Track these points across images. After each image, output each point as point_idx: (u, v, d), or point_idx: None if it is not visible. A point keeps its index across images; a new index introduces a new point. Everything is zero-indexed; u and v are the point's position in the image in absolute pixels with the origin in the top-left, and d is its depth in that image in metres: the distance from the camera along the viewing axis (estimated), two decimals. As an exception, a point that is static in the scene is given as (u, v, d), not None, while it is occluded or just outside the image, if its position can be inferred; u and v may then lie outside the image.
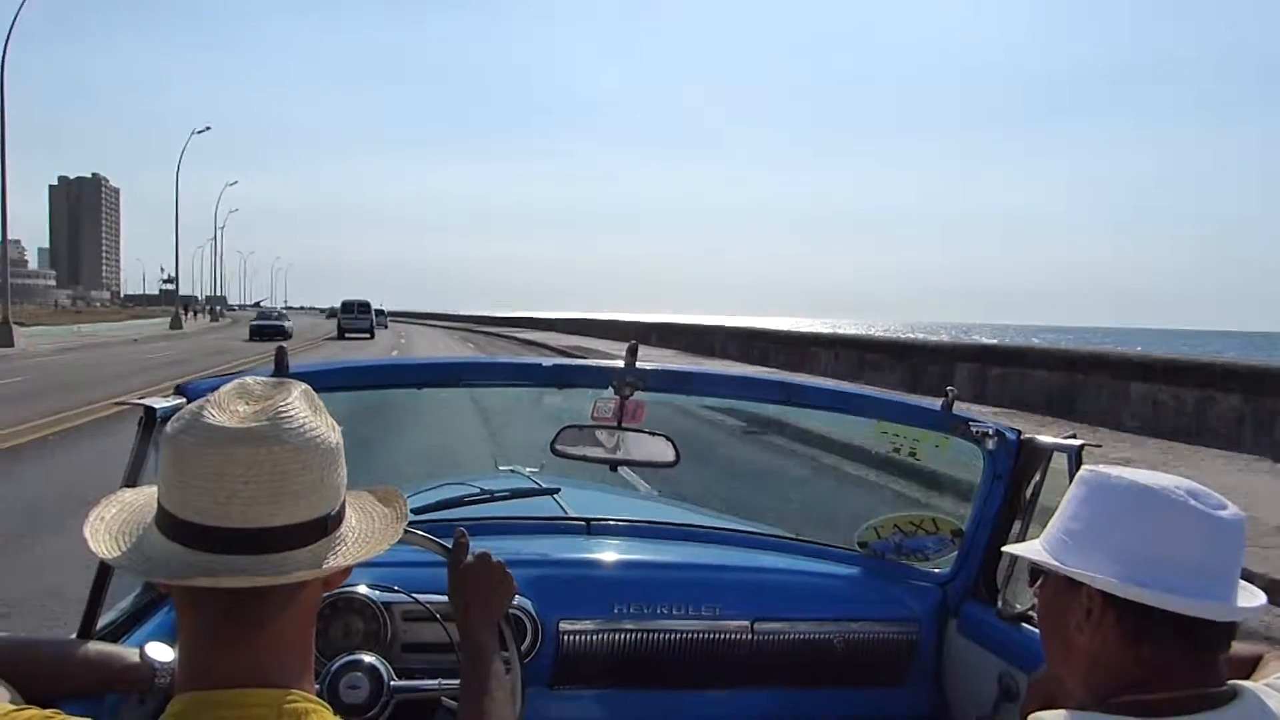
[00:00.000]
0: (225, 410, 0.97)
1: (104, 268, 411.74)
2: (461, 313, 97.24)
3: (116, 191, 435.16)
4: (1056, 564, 1.12)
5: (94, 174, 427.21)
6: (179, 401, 1.78)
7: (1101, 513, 1.10)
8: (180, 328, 61.26)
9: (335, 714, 0.98)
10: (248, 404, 0.98)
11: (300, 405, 0.99)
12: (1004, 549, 1.80)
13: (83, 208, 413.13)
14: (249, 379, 1.04)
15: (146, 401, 1.78)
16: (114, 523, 1.02)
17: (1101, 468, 1.14)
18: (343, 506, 1.03)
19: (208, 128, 60.10)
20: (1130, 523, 1.08)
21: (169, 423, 0.99)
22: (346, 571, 1.04)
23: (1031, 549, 1.17)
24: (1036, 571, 1.17)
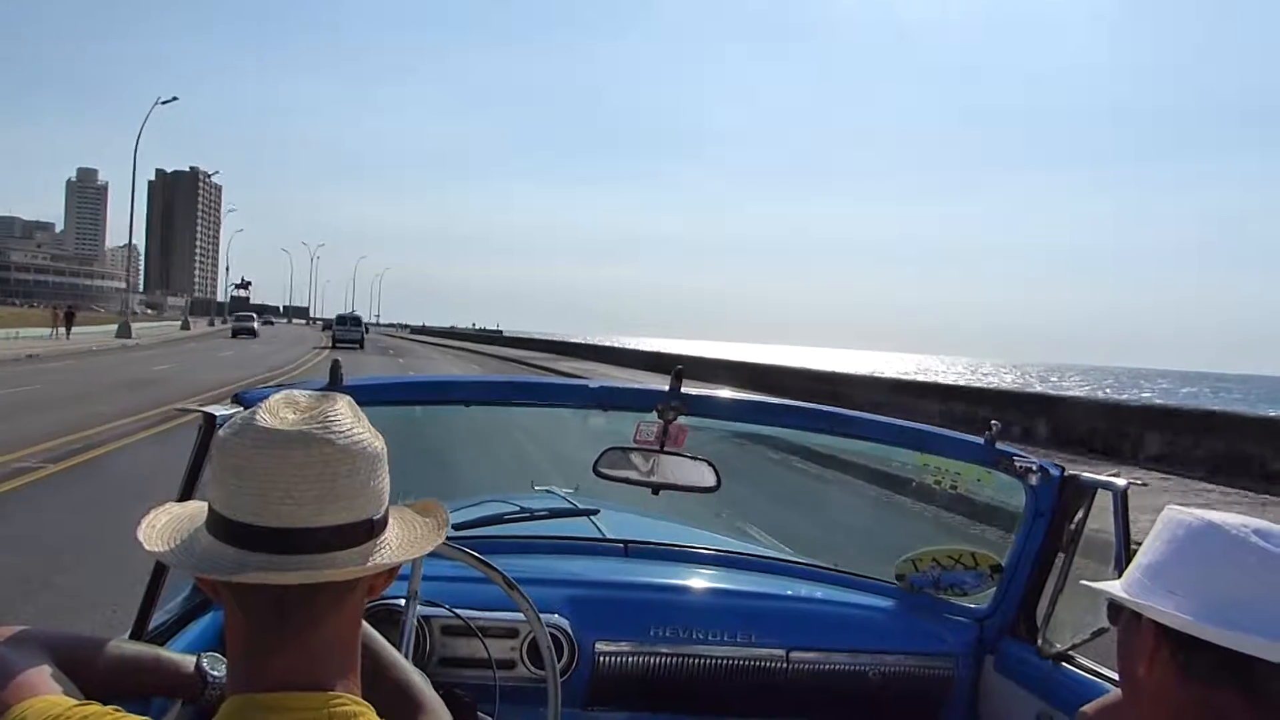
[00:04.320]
0: (276, 416, 1.01)
1: (197, 271, 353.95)
2: (579, 339, 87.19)
3: (218, 189, 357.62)
4: (1118, 595, 1.12)
5: (191, 167, 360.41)
6: (237, 409, 1.84)
7: (1171, 548, 1.10)
8: (188, 329, 69.08)
9: None
10: (295, 412, 1.02)
11: (346, 412, 1.03)
12: (1084, 583, 1.80)
13: (177, 205, 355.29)
14: (295, 391, 1.08)
15: (207, 409, 1.84)
16: (165, 529, 1.06)
17: (1180, 506, 1.14)
18: (386, 513, 1.06)
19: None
20: (1194, 558, 1.07)
21: (222, 429, 1.03)
22: (390, 577, 1.08)
23: (1110, 583, 1.17)
24: (1113, 607, 1.16)
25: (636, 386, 2.32)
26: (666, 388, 2.20)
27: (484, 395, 2.44)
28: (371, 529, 1.02)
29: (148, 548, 1.03)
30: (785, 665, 2.20)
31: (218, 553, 0.99)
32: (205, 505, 1.05)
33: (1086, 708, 1.52)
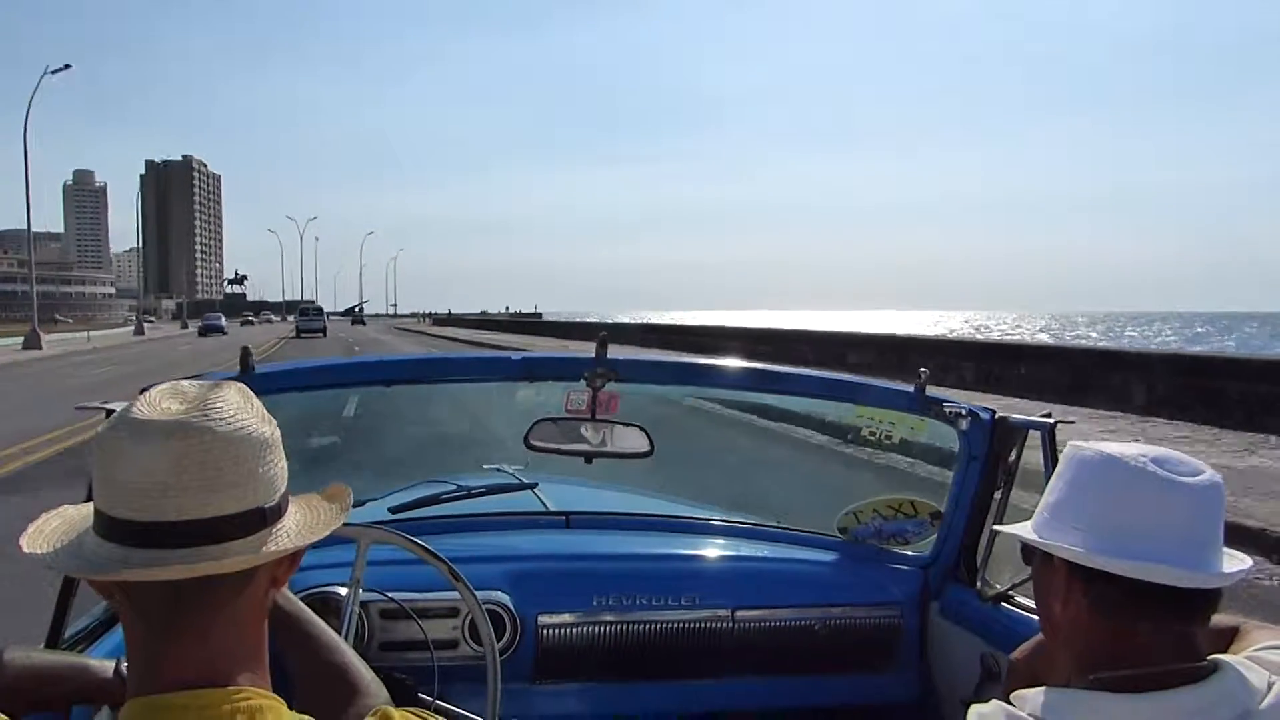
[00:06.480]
0: (155, 408, 0.98)
1: (200, 269, 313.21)
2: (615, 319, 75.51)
3: (216, 179, 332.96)
4: (1029, 537, 1.12)
5: (184, 156, 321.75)
6: None
7: (1074, 484, 1.10)
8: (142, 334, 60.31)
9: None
10: (180, 403, 0.99)
11: (232, 399, 1.00)
12: (995, 528, 1.79)
13: (171, 198, 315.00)
14: (183, 382, 1.05)
15: (109, 405, 1.80)
16: (54, 533, 1.03)
17: (1081, 441, 1.14)
18: (284, 500, 1.03)
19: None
20: (1095, 492, 1.08)
21: (101, 425, 1.00)
22: (292, 566, 1.05)
23: (1019, 526, 1.17)
24: (1026, 549, 1.17)
25: (561, 355, 2.30)
26: (592, 355, 2.18)
27: (402, 375, 2.40)
28: (264, 517, 0.99)
29: (27, 549, 1.00)
30: (731, 625, 2.20)
31: (103, 552, 0.96)
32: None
33: (1016, 653, 1.51)
